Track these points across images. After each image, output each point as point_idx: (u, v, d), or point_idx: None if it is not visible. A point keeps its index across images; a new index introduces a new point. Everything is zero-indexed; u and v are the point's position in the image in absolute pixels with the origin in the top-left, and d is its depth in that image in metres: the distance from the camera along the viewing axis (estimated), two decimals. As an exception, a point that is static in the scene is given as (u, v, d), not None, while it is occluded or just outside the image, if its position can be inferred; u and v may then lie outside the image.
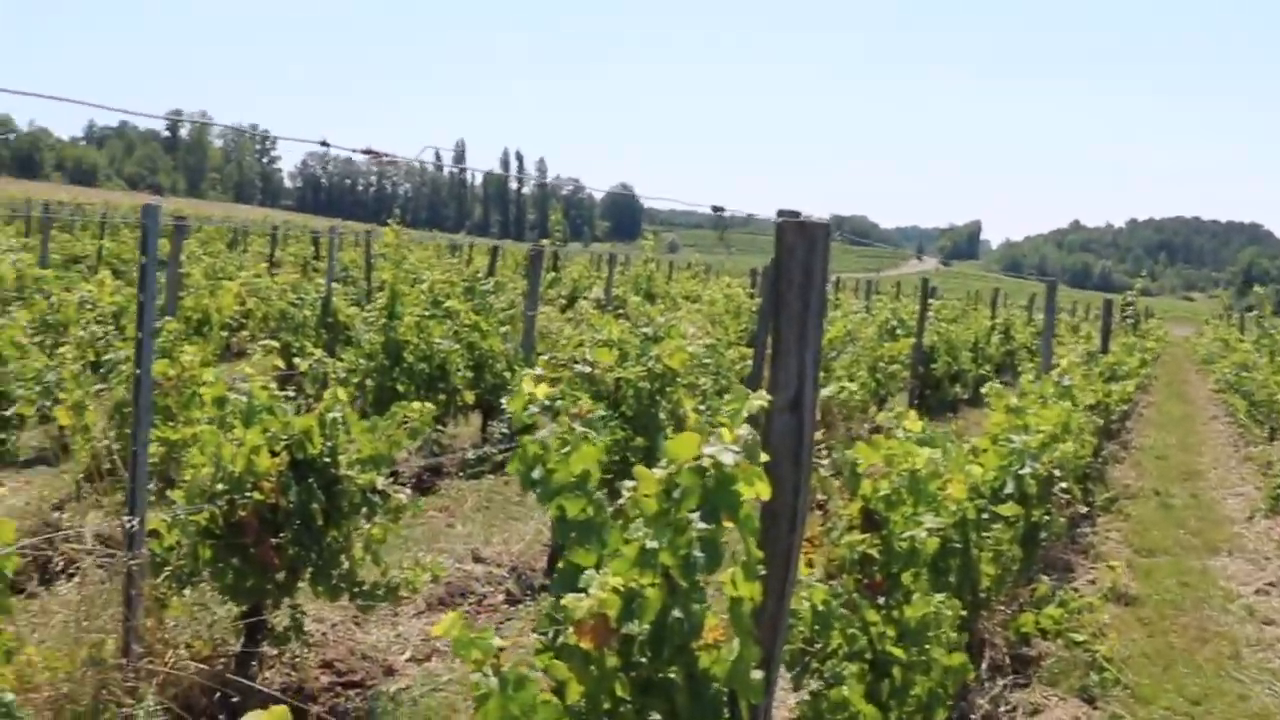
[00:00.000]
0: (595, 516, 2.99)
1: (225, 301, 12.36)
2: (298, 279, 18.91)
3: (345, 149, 4.54)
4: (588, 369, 7.95)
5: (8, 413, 7.42)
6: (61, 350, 9.62)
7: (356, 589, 5.76)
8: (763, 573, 2.85)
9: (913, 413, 5.39)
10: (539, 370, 3.76)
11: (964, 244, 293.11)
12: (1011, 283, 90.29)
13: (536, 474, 3.06)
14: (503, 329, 12.81)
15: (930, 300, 17.02)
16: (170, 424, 7.11)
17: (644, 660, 2.79)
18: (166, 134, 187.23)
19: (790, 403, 3.24)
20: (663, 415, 8.12)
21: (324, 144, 4.49)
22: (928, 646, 4.46)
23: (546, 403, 3.39)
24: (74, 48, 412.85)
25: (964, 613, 4.96)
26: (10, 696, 4.39)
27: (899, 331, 18.18)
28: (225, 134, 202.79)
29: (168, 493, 5.70)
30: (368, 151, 4.29)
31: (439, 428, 11.44)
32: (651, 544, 2.71)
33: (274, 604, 5.72)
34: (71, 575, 6.34)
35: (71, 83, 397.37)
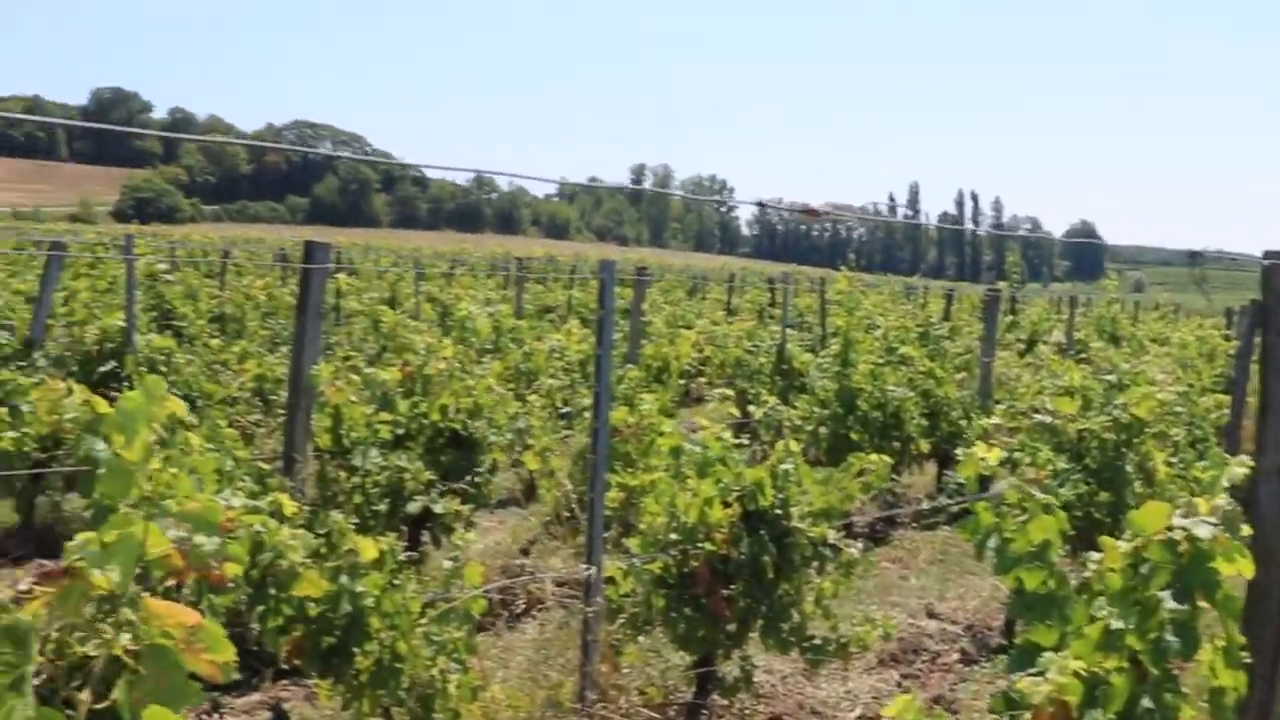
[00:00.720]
0: (1057, 590, 2.78)
1: (683, 349, 12.67)
2: (753, 326, 19.21)
3: (781, 209, 4.53)
4: (1048, 419, 7.60)
5: (482, 461, 7.85)
6: (531, 397, 10.17)
7: (806, 643, 5.71)
8: (1248, 659, 2.57)
9: None
10: (995, 420, 3.58)
11: None
12: None
13: (992, 543, 2.88)
14: (958, 375, 12.52)
15: None
16: (630, 470, 7.31)
17: (1111, 754, 2.55)
18: (631, 187, 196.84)
19: None
20: (1130, 468, 7.63)
21: (759, 204, 4.50)
22: None
23: (1005, 455, 3.22)
24: (549, 111, 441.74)
25: None
26: (477, 734, 4.62)
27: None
28: (685, 186, 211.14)
29: (624, 539, 5.85)
30: (805, 210, 4.26)
31: (893, 477, 11.26)
32: (1116, 624, 2.49)
33: (724, 654, 5.74)
34: (534, 616, 6.64)
35: (545, 145, 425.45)
